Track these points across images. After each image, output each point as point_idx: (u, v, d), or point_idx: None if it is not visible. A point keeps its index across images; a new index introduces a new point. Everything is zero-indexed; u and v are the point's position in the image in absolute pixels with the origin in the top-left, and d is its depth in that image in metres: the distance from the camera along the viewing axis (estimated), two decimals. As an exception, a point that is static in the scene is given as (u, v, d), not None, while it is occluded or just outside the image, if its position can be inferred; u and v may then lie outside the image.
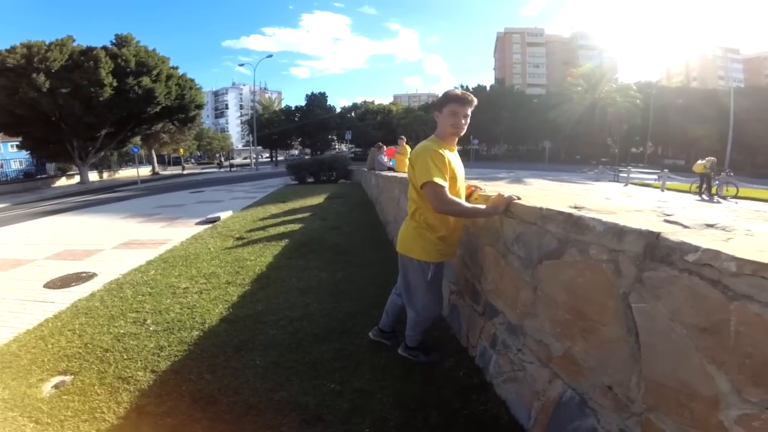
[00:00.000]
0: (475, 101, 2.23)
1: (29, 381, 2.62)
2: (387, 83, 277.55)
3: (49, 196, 21.42)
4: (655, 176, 22.30)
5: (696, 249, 1.07)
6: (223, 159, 50.81)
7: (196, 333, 3.18)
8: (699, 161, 15.76)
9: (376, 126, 55.86)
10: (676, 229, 1.24)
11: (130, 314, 3.63)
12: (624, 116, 41.83)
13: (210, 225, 8.04)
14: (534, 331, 1.89)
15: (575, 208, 1.69)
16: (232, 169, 42.46)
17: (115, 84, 27.06)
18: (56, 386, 2.56)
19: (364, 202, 10.26)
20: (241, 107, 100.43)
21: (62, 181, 32.71)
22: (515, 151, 57.10)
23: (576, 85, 45.96)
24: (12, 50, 24.39)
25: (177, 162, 54.79)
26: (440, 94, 2.36)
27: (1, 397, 2.45)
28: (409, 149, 9.33)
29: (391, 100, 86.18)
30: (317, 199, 11.10)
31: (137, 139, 35.89)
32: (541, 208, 1.80)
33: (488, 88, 55.51)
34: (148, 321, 3.45)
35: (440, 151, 2.17)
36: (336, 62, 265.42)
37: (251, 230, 7.20)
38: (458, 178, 2.28)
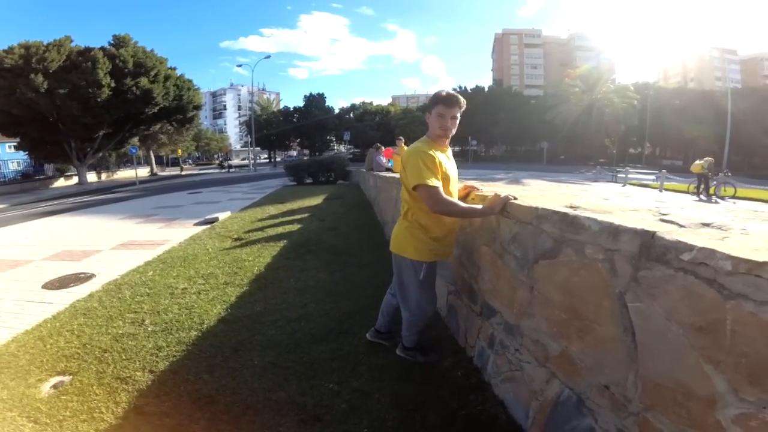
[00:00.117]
0: (463, 102, 2.23)
1: (28, 381, 2.62)
2: (385, 84, 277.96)
3: (47, 197, 21.36)
4: (653, 177, 22.36)
5: (691, 248, 1.07)
6: (223, 160, 50.73)
7: (195, 333, 3.18)
8: (697, 162, 15.82)
9: (375, 127, 55.84)
10: (672, 228, 1.25)
11: (128, 315, 3.63)
12: (621, 117, 41.93)
13: (208, 226, 8.03)
14: (531, 331, 1.90)
15: (571, 207, 1.69)
16: (231, 170, 42.41)
17: (112, 85, 26.99)
18: (55, 386, 2.55)
19: (362, 203, 10.27)
20: (240, 108, 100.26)
21: (60, 182, 32.65)
22: (513, 152, 57.19)
23: (573, 86, 46.10)
24: (10, 50, 24.33)
25: (175, 163, 54.72)
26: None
27: (0, 398, 2.44)
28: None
29: (389, 100, 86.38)
30: (315, 200, 11.11)
31: (135, 140, 35.85)
32: (536, 208, 1.81)
33: (486, 89, 55.62)
34: (147, 321, 3.45)
35: (430, 152, 2.18)
36: (334, 63, 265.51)
37: (249, 231, 7.20)
38: (451, 179, 2.29)
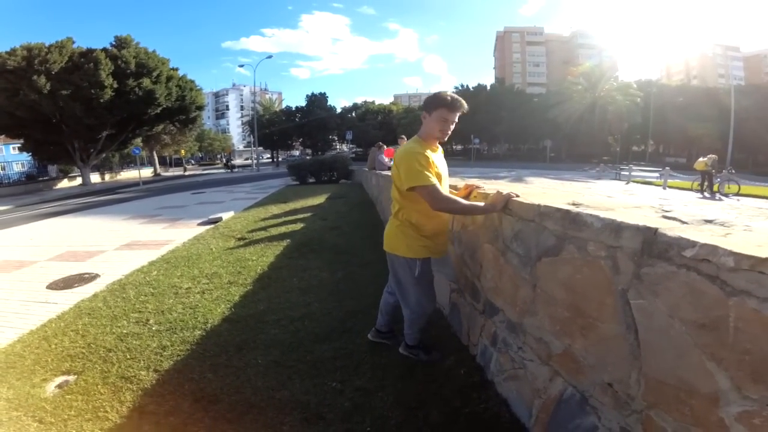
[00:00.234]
0: (466, 107, 2.22)
1: (33, 381, 2.64)
2: (387, 83, 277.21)
3: (51, 198, 21.48)
4: (657, 174, 22.24)
5: (693, 244, 1.07)
6: (228, 160, 50.84)
7: (199, 333, 3.20)
8: (700, 159, 15.72)
9: (377, 126, 55.83)
10: (674, 225, 1.24)
11: (132, 314, 3.65)
12: (624, 115, 41.73)
13: (212, 225, 8.05)
14: (534, 329, 1.89)
15: (573, 204, 1.69)
16: (234, 170, 42.50)
17: (115, 85, 27.10)
18: (60, 386, 2.57)
19: (364, 202, 10.27)
20: (242, 108, 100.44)
21: (64, 183, 32.84)
22: (516, 151, 57.03)
23: (576, 84, 45.92)
24: (12, 52, 24.46)
25: (178, 163, 54.87)
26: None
27: (6, 397, 2.46)
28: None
29: (391, 100, 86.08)
30: (318, 200, 11.12)
31: (138, 141, 35.94)
32: (539, 205, 1.80)
33: (488, 88, 55.44)
34: (151, 321, 3.47)
35: (425, 152, 2.19)
36: (336, 63, 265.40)
37: (253, 230, 7.21)
38: (443, 178, 2.31)
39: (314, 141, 59.73)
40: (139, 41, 30.64)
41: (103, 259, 5.90)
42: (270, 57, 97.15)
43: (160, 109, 31.45)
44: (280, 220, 8.15)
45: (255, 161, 42.95)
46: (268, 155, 62.67)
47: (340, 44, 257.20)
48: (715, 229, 1.19)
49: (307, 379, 2.50)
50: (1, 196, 24.45)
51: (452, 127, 2.24)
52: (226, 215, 9.06)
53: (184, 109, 34.67)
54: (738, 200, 13.76)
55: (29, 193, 27.28)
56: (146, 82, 29.09)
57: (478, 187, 2.59)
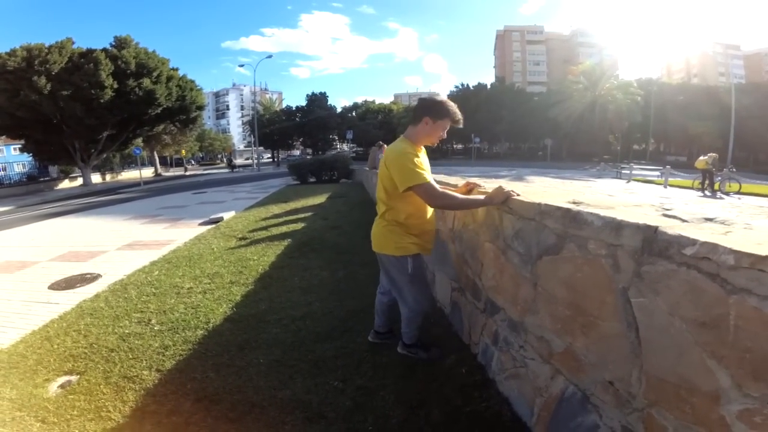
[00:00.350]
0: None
1: (36, 381, 2.65)
2: (387, 82, 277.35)
3: (52, 199, 21.49)
4: (658, 173, 22.20)
5: (694, 242, 1.07)
6: (230, 160, 50.86)
7: (201, 332, 3.20)
8: (701, 157, 15.72)
9: (377, 125, 55.78)
10: (674, 223, 1.24)
11: (134, 314, 3.66)
12: (625, 113, 41.64)
13: (213, 225, 8.07)
14: (535, 328, 1.89)
15: (574, 203, 1.69)
16: (235, 170, 42.52)
17: (115, 86, 27.10)
18: (62, 386, 2.58)
19: (365, 202, 10.26)
20: (242, 108, 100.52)
21: (65, 184, 32.86)
22: (517, 150, 56.92)
23: (576, 83, 45.81)
24: (12, 53, 24.46)
25: (179, 163, 54.85)
26: (436, 96, 2.33)
27: (9, 397, 2.47)
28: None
29: (391, 99, 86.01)
30: (318, 199, 11.12)
31: (139, 141, 35.93)
32: (539, 204, 1.81)
33: (489, 87, 55.34)
34: (153, 321, 3.48)
35: (416, 153, 2.24)
36: (336, 62, 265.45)
37: (254, 230, 7.22)
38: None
39: (315, 140, 59.70)
40: (139, 41, 30.68)
41: (104, 259, 5.91)
42: (270, 57, 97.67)
43: (161, 109, 31.44)
44: (281, 220, 8.16)
45: (256, 161, 42.95)
46: (269, 155, 62.66)
47: (339, 44, 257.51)
48: (716, 227, 1.19)
49: (308, 378, 2.51)
50: (3, 196, 24.47)
51: None
52: (227, 215, 9.08)
53: (184, 109, 34.67)
54: (739, 198, 13.74)
55: (30, 193, 27.30)
56: (146, 82, 29.09)
57: (478, 186, 2.59)
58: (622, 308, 1.34)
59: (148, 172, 40.86)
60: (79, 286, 4.65)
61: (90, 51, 27.50)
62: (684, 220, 1.28)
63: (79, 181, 32.46)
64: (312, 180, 18.59)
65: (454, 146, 59.75)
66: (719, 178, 16.00)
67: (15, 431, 2.16)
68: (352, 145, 55.37)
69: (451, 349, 2.75)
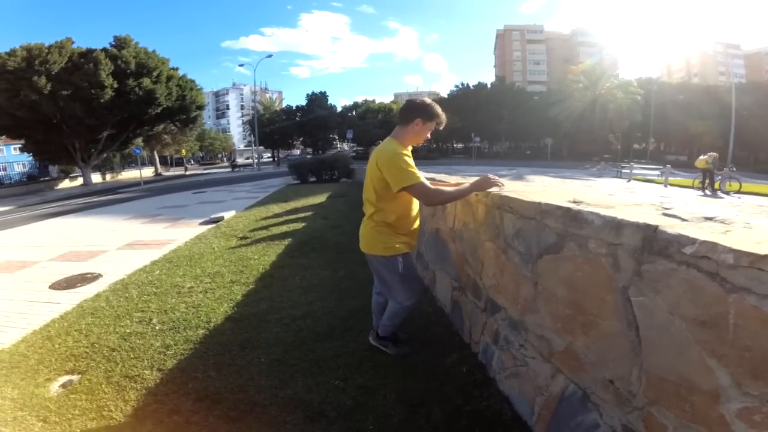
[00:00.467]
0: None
1: (37, 381, 2.65)
2: (387, 82, 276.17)
3: (53, 199, 21.52)
4: (658, 172, 22.20)
5: (693, 241, 1.07)
6: (231, 159, 50.84)
7: (202, 332, 3.21)
8: (701, 157, 15.72)
9: (377, 125, 55.64)
10: (674, 222, 1.25)
11: (135, 314, 3.66)
12: (625, 112, 41.56)
13: (213, 225, 8.07)
14: (535, 327, 1.90)
15: (574, 202, 1.69)
16: (236, 169, 42.53)
17: (115, 86, 27.14)
18: (64, 385, 2.59)
19: (365, 201, 10.27)
20: (242, 107, 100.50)
21: (65, 183, 32.91)
22: (517, 149, 56.90)
23: (577, 82, 45.72)
24: (12, 53, 24.49)
25: (179, 163, 54.91)
26: (425, 99, 2.42)
27: (10, 397, 2.48)
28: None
29: (391, 98, 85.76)
30: (319, 199, 11.12)
31: (139, 141, 35.97)
32: (539, 203, 1.81)
33: (489, 86, 55.33)
34: (154, 320, 3.48)
35: (407, 153, 2.30)
36: (336, 61, 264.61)
37: (254, 230, 7.22)
38: None
39: (315, 140, 59.62)
40: (138, 41, 30.76)
41: (105, 258, 5.92)
42: (270, 56, 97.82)
43: (161, 108, 31.47)
44: (281, 219, 8.16)
45: (256, 160, 42.95)
46: (269, 154, 62.64)
47: (339, 43, 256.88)
48: (715, 226, 1.19)
49: (309, 378, 2.51)
50: (3, 196, 24.53)
51: None
52: (228, 214, 9.08)
53: (184, 108, 34.70)
54: (739, 198, 13.74)
55: (31, 193, 27.37)
56: (146, 82, 29.12)
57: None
58: (622, 307, 1.35)
59: (148, 172, 40.89)
60: (80, 286, 4.66)
61: (90, 51, 27.54)
62: (684, 219, 1.28)
63: (80, 180, 32.50)
64: (312, 179, 18.56)
65: (455, 145, 59.70)
66: (719, 177, 15.99)
67: (16, 431, 2.17)
68: (352, 144, 55.35)
69: (452, 348, 2.75)
